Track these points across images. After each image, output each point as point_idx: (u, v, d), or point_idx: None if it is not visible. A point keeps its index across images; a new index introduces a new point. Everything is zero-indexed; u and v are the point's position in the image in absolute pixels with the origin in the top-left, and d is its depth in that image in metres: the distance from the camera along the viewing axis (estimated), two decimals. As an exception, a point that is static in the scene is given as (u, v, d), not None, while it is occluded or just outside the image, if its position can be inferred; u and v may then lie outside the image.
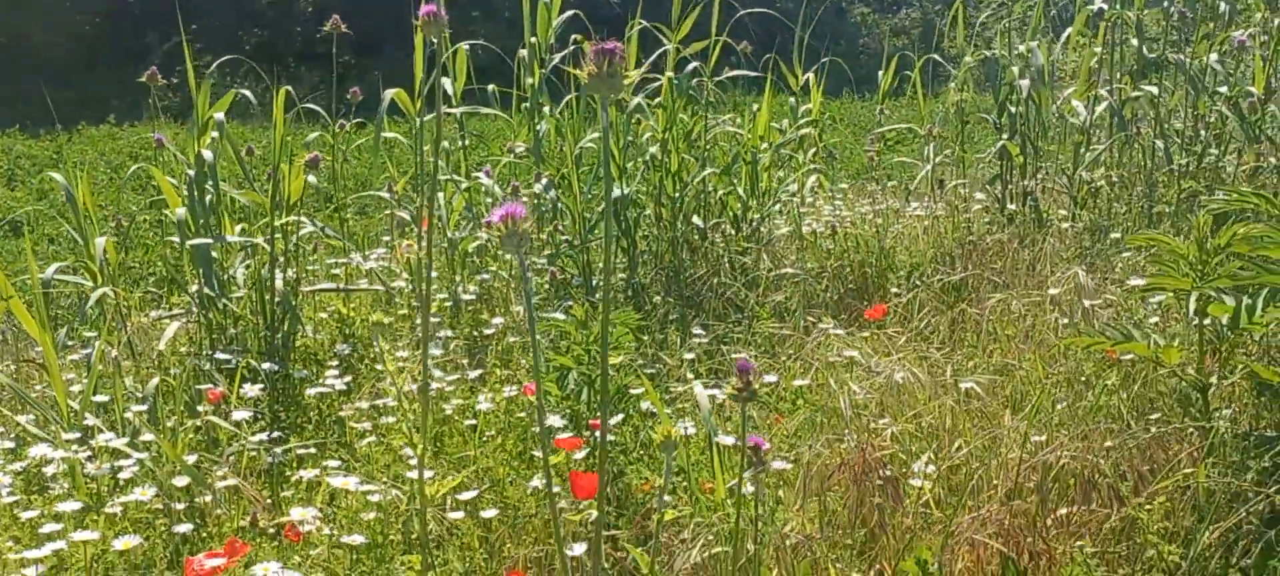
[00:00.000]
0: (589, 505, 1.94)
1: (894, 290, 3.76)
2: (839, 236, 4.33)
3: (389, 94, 3.60)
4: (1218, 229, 2.33)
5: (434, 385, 2.64)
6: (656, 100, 4.13)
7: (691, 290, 3.85)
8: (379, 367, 2.97)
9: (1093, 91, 4.85)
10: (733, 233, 4.23)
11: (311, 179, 3.26)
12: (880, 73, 5.63)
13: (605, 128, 0.99)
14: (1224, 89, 4.84)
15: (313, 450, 2.47)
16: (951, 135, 5.19)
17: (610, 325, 2.80)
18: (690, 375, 2.72)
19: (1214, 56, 4.92)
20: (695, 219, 4.27)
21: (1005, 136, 4.77)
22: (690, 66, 4.06)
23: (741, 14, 4.31)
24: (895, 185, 5.31)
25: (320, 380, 2.84)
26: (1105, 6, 4.77)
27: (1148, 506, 1.64)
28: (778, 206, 4.59)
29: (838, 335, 2.78)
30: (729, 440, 2.00)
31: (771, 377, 2.65)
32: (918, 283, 3.84)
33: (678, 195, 4.20)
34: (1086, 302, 2.90)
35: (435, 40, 1.67)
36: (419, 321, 3.14)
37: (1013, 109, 4.76)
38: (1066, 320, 2.96)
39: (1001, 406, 2.54)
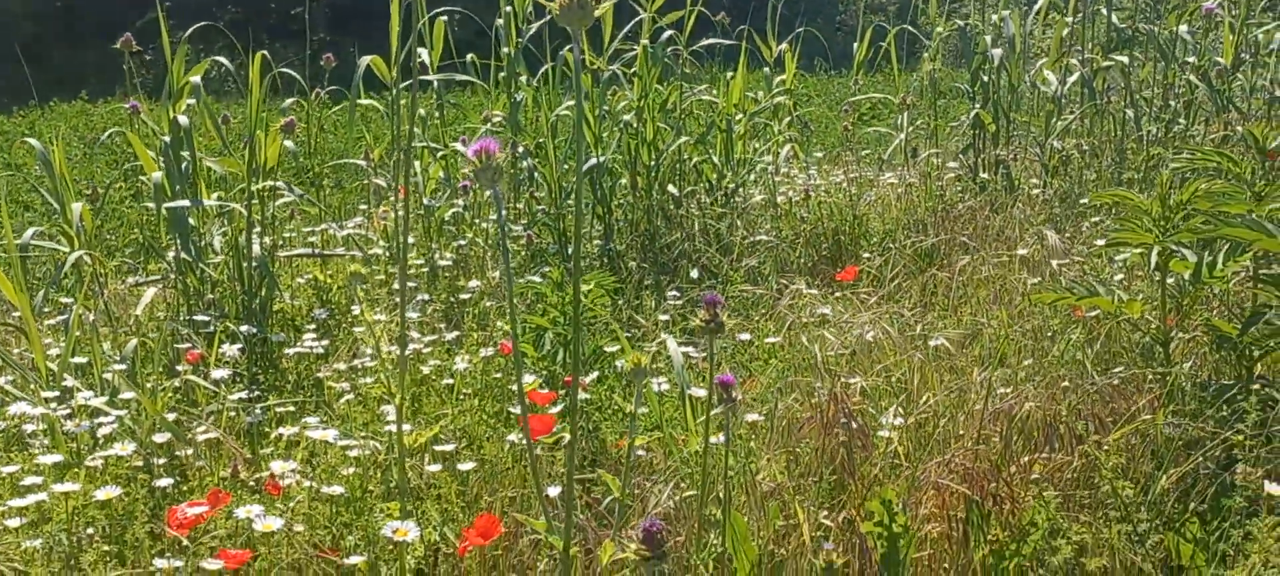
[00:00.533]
0: (557, 430, 1.98)
1: (866, 255, 3.81)
2: (812, 203, 4.38)
3: (365, 61, 3.61)
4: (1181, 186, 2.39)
5: (411, 346, 2.67)
6: (633, 70, 4.15)
7: (666, 256, 3.89)
8: (356, 332, 3.00)
9: (1064, 61, 4.91)
10: (707, 201, 4.26)
11: (289, 144, 3.27)
12: (855, 45, 5.67)
13: (578, 61, 1.02)
14: (1193, 59, 4.92)
15: (292, 409, 2.50)
16: (925, 105, 5.24)
17: (585, 284, 2.84)
18: (664, 334, 2.76)
19: (1184, 27, 4.99)
20: (670, 187, 4.30)
21: (978, 105, 4.83)
22: (665, 35, 4.09)
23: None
24: (868, 155, 5.36)
25: (298, 343, 2.86)
26: (1076, -23, 4.83)
27: (1106, 445, 1.69)
28: (752, 175, 4.63)
29: (811, 294, 2.82)
30: (701, 392, 2.04)
31: (745, 336, 2.70)
32: (890, 248, 3.89)
33: (653, 163, 4.23)
34: (1054, 262, 2.96)
35: (410, -7, 1.69)
36: (397, 281, 3.16)
37: (985, 78, 4.82)
38: (1035, 279, 3.01)
39: (970, 362, 2.59)
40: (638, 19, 4.18)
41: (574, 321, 1.33)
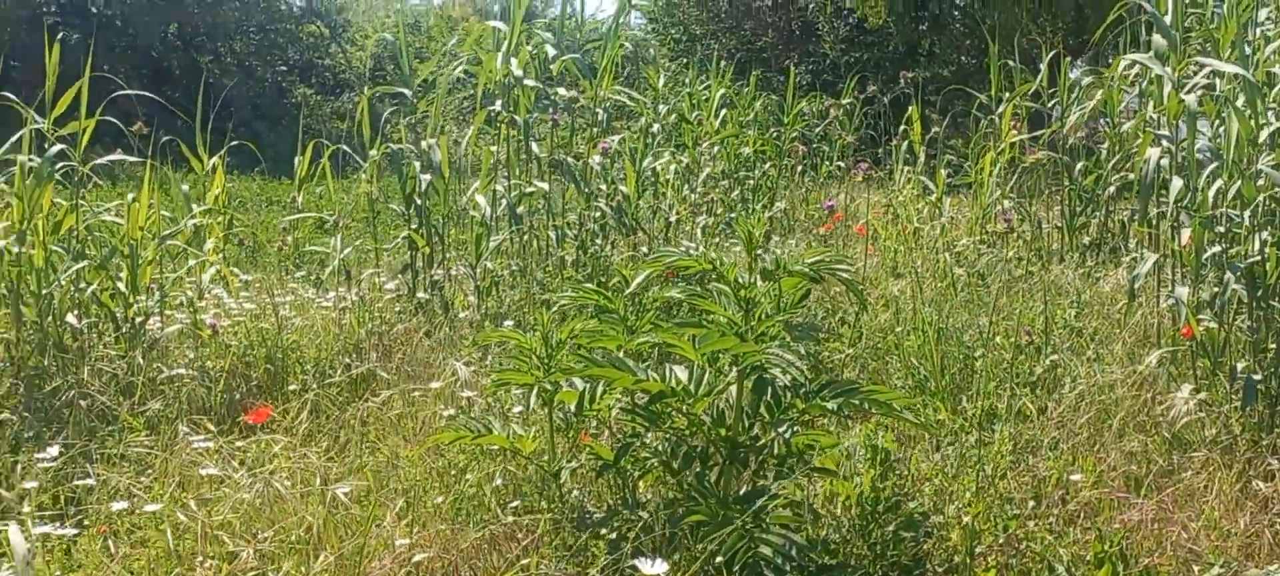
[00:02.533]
0: None
1: (293, 387, 3.64)
2: (242, 332, 4.11)
3: None
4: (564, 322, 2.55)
5: None
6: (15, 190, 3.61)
7: (56, 401, 3.39)
8: None
9: (493, 187, 5.17)
10: (114, 333, 3.82)
11: None
12: (297, 159, 5.52)
13: None
14: (604, 187, 5.45)
15: None
16: (363, 225, 5.22)
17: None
18: (26, 509, 2.36)
19: (596, 159, 5.52)
20: (70, 318, 3.79)
21: (412, 226, 4.91)
22: (55, 149, 3.62)
23: (118, 94, 3.95)
24: (304, 276, 5.20)
25: None
26: (501, 109, 5.13)
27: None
28: (172, 301, 4.24)
29: (203, 448, 2.59)
30: (39, 593, 1.74)
31: (122, 505, 2.39)
32: (324, 378, 3.75)
33: (45, 293, 3.70)
34: (466, 394, 3.02)
35: None
36: None
37: (418, 200, 4.92)
38: (450, 412, 3.05)
39: (381, 507, 2.52)
40: (25, 130, 3.66)
41: None
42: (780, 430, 2.17)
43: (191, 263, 4.56)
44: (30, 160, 3.51)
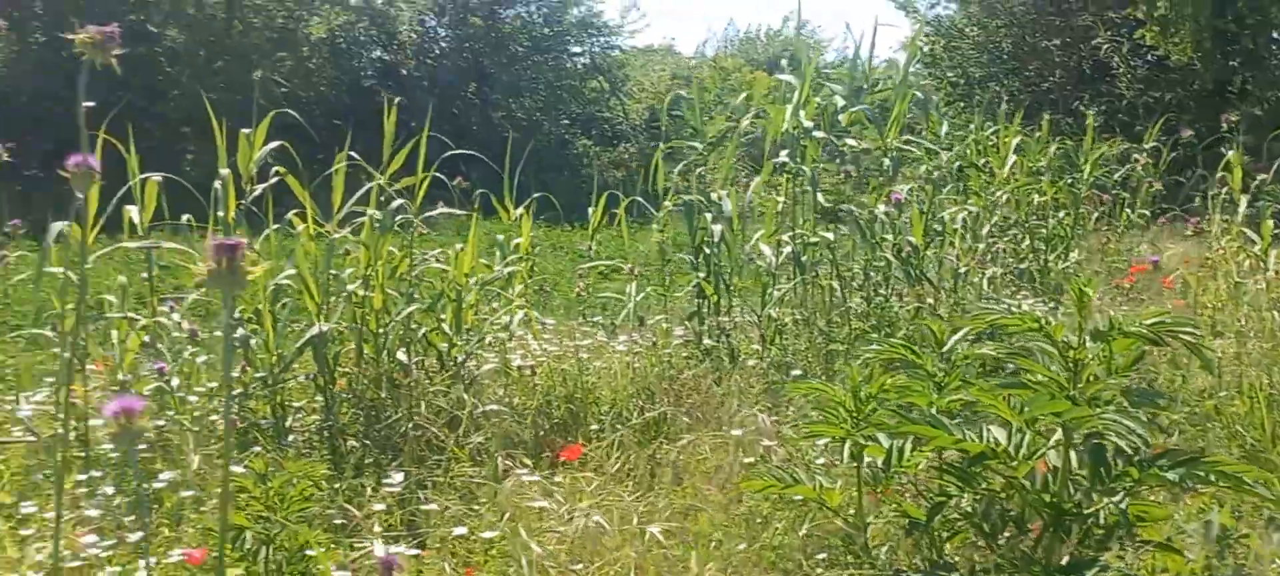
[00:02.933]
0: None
1: (594, 426, 3.83)
2: (543, 372, 4.38)
3: (57, 226, 3.33)
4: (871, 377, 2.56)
5: (87, 551, 2.39)
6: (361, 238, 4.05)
7: (392, 431, 3.75)
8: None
9: (777, 236, 5.24)
10: (438, 370, 4.17)
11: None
12: (590, 209, 5.83)
13: (228, 327, 0.95)
14: (889, 237, 5.39)
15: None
16: (655, 272, 5.43)
17: (294, 477, 2.67)
18: (378, 528, 2.63)
19: (882, 207, 5.47)
20: (400, 354, 4.18)
21: (701, 275, 5.05)
22: (396, 203, 4.03)
23: (448, 154, 4.34)
24: (599, 321, 5.47)
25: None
26: (787, 160, 5.21)
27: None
28: (486, 341, 4.59)
29: (531, 481, 2.78)
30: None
31: (461, 530, 2.61)
32: (621, 419, 3.93)
33: (382, 332, 4.11)
34: (765, 442, 3.08)
35: (82, 195, 1.55)
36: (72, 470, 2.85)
37: (708, 250, 5.06)
38: (749, 459, 3.12)
39: (688, 549, 2.61)
40: (368, 186, 4.10)
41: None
42: (1114, 499, 2.07)
43: (501, 306, 4.92)
44: (376, 214, 3.92)
